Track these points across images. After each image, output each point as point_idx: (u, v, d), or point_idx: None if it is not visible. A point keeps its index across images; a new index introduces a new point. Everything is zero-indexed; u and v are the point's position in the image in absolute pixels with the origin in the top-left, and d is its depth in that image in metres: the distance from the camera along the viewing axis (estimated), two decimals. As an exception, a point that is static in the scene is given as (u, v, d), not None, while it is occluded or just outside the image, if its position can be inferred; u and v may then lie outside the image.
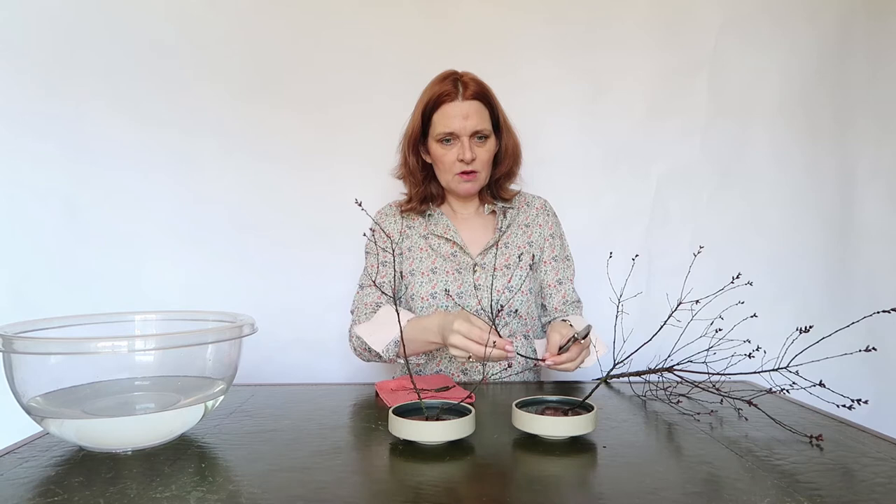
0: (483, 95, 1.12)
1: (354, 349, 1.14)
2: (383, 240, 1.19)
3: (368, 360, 1.14)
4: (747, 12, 1.57)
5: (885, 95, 1.58)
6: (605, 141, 1.58)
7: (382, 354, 1.06)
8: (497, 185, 1.23)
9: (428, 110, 1.12)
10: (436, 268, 1.16)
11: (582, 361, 0.97)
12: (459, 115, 1.09)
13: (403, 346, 0.77)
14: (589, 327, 0.94)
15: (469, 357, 0.88)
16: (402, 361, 1.08)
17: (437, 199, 1.23)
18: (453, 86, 1.10)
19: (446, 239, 1.18)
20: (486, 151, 1.14)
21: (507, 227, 1.21)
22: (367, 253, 1.23)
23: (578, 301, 1.23)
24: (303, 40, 1.49)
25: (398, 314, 0.77)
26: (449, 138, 1.11)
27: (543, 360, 0.93)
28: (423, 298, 1.13)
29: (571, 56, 1.56)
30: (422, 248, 1.18)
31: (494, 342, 0.85)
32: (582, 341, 0.94)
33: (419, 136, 1.16)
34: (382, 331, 1.07)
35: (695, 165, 1.60)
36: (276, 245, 1.51)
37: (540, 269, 1.22)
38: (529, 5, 1.54)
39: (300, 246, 1.52)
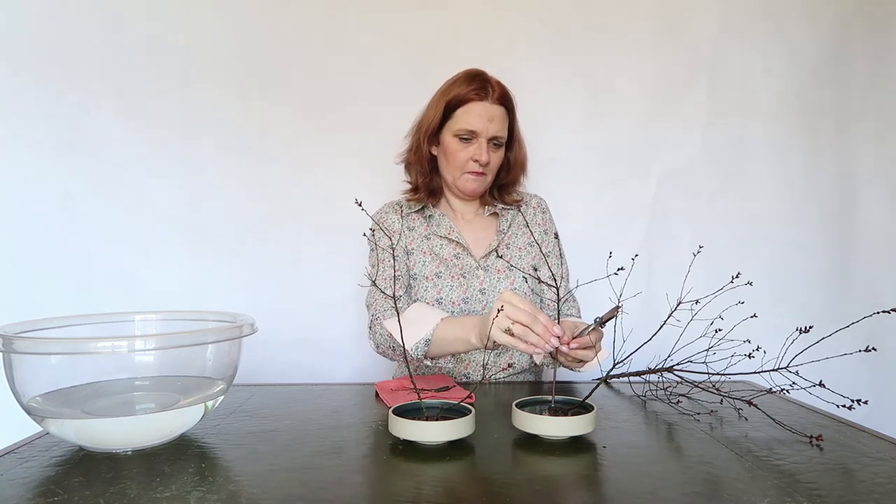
0: (508, 102, 1.13)
1: (377, 346, 1.10)
2: (385, 239, 1.18)
3: (391, 358, 1.12)
4: (747, 12, 1.57)
5: (884, 95, 1.58)
6: (606, 141, 1.58)
7: (411, 352, 1.02)
8: (500, 191, 1.23)
9: (453, 104, 1.11)
10: (440, 272, 1.14)
11: (598, 351, 0.93)
12: (486, 116, 1.09)
13: (406, 351, 0.77)
14: (616, 308, 0.87)
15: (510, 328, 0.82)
16: (429, 363, 1.04)
17: (437, 194, 1.22)
18: (482, 86, 1.10)
19: (449, 240, 1.17)
20: (497, 157, 1.15)
21: (509, 226, 1.21)
22: (371, 250, 1.22)
23: (574, 298, 1.23)
24: (304, 41, 1.49)
25: (398, 315, 0.77)
26: (468, 136, 1.11)
27: (568, 343, 0.87)
28: (428, 304, 1.13)
29: (571, 56, 1.56)
30: (424, 252, 1.17)
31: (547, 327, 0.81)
32: (602, 329, 0.89)
33: (436, 128, 1.15)
34: (413, 328, 1.02)
35: (695, 165, 1.60)
36: (276, 245, 1.51)
37: (538, 266, 1.22)
38: (530, 6, 1.54)
39: (300, 246, 1.52)
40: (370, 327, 1.12)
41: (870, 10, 1.57)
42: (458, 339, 0.97)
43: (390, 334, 1.05)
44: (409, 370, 0.77)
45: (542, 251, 1.19)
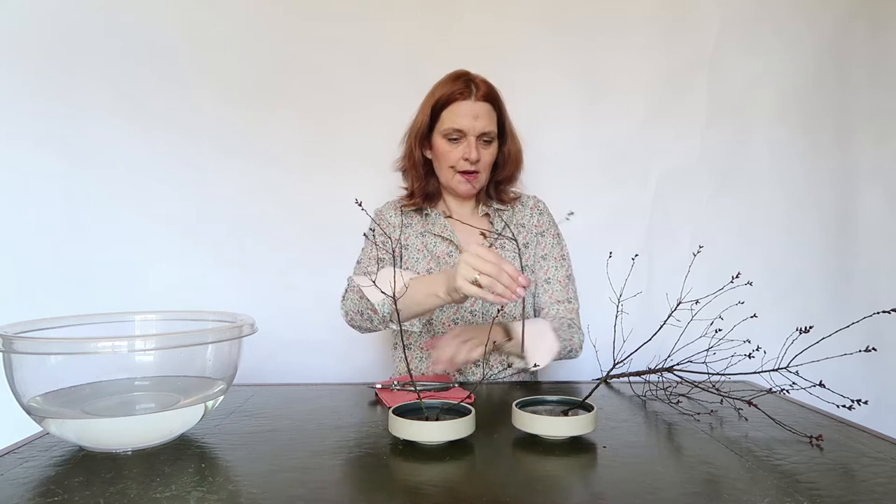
0: (493, 98, 1.13)
1: (346, 313, 1.10)
2: (383, 237, 1.18)
3: (361, 327, 1.10)
4: (747, 13, 1.57)
5: (884, 95, 1.58)
6: (605, 141, 1.58)
7: (378, 308, 1.00)
8: (497, 189, 1.23)
9: (438, 106, 1.12)
10: (432, 269, 1.15)
11: (466, 360, 0.97)
12: (470, 115, 1.10)
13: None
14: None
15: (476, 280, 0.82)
16: (394, 327, 1.02)
17: (434, 197, 1.23)
18: (466, 85, 1.11)
19: (443, 238, 1.18)
20: (489, 154, 1.14)
21: (504, 227, 1.21)
22: (367, 243, 1.21)
23: (570, 300, 1.19)
24: (304, 42, 1.49)
25: (398, 315, 0.77)
26: (456, 136, 1.11)
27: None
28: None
29: (571, 57, 1.56)
30: (419, 249, 1.18)
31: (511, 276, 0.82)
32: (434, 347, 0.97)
33: (426, 131, 1.16)
34: (381, 287, 0.99)
35: (695, 165, 1.60)
36: (276, 245, 1.51)
37: (533, 268, 1.22)
38: (530, 6, 1.54)
39: (301, 246, 1.52)
40: (343, 298, 1.11)
41: (870, 11, 1.57)
42: (427, 294, 0.95)
43: (360, 293, 1.02)
44: (408, 370, 0.77)
45: (541, 254, 1.19)
